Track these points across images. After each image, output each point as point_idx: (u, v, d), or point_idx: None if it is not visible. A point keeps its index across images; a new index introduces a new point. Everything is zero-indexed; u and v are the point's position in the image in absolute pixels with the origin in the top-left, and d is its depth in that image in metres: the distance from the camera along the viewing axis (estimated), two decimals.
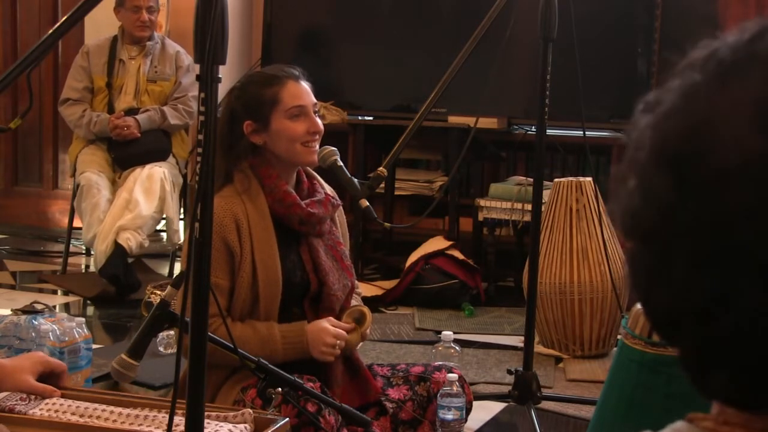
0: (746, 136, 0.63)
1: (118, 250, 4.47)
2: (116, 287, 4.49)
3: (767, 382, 0.65)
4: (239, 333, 2.26)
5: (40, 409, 1.84)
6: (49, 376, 1.93)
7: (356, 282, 2.59)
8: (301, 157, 2.38)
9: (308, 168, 2.48)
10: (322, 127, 2.41)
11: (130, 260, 4.61)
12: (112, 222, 4.53)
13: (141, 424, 1.79)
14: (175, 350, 3.53)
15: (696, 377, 0.69)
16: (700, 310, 0.66)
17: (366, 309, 2.45)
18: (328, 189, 2.50)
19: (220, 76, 1.47)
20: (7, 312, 3.30)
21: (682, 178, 0.66)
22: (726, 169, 0.64)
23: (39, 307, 3.17)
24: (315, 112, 2.40)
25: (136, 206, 4.54)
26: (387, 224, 3.04)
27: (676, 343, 0.70)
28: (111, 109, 4.84)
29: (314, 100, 2.41)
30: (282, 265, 2.32)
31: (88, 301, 4.60)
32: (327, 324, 2.32)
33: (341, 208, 2.54)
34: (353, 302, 2.52)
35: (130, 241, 4.50)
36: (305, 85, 2.40)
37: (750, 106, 0.64)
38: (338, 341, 2.32)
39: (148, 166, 4.69)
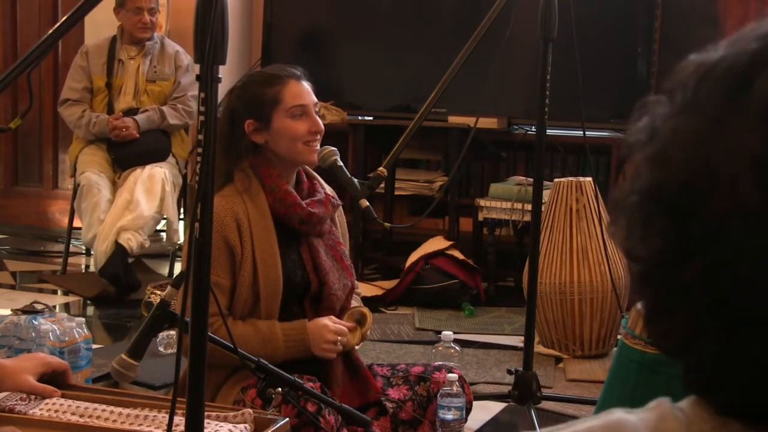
0: (746, 193, 0.61)
1: (118, 250, 4.47)
2: (116, 287, 4.49)
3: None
4: (241, 332, 2.26)
5: (40, 409, 1.84)
6: (51, 377, 1.93)
7: (356, 282, 2.59)
8: (302, 156, 2.38)
9: (308, 168, 2.48)
10: (322, 126, 2.41)
11: (130, 260, 4.61)
12: (112, 222, 4.53)
13: (141, 424, 1.79)
14: (175, 350, 3.53)
15: (696, 390, 0.69)
16: (702, 357, 0.66)
17: (367, 310, 2.45)
18: (328, 189, 2.50)
19: (220, 76, 1.47)
20: (7, 312, 3.30)
21: (681, 227, 0.65)
22: (723, 227, 0.62)
23: (39, 307, 3.17)
24: (315, 112, 2.40)
25: (137, 206, 4.54)
26: (387, 224, 3.04)
27: (680, 363, 0.70)
28: (110, 110, 4.84)
29: (315, 100, 2.41)
30: (282, 264, 2.32)
31: (88, 301, 4.60)
32: (328, 321, 2.33)
33: (341, 208, 2.55)
34: (353, 303, 2.52)
35: (131, 241, 4.50)
36: (306, 85, 2.41)
37: (747, 159, 0.61)
38: (340, 338, 2.32)
39: (148, 167, 4.69)
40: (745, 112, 0.62)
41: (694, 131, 0.64)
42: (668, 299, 0.67)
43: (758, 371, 0.63)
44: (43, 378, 1.92)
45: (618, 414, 0.71)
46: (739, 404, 0.66)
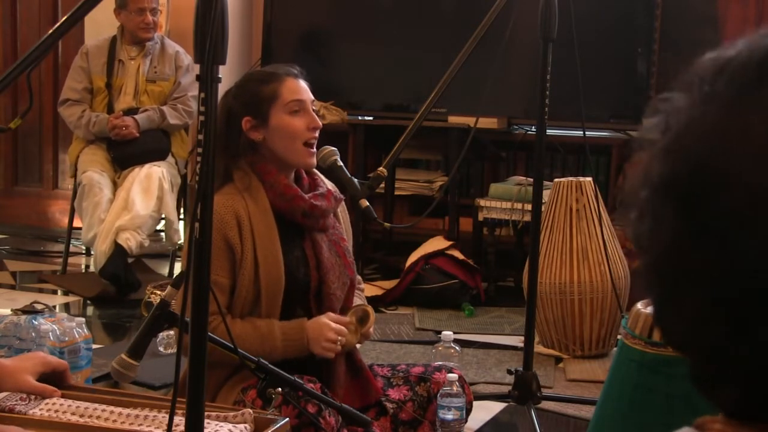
0: (759, 183, 0.62)
1: (118, 250, 4.48)
2: (116, 287, 4.50)
3: None
4: (239, 330, 2.25)
5: (40, 409, 1.84)
6: (51, 376, 1.93)
7: (359, 278, 2.59)
8: (300, 157, 2.37)
9: None
10: (320, 123, 2.40)
11: (130, 260, 4.61)
12: (111, 222, 4.53)
13: (141, 424, 1.79)
14: (175, 350, 3.53)
15: (702, 388, 0.69)
16: (711, 344, 0.66)
17: (370, 308, 2.45)
18: (330, 184, 2.49)
19: (220, 76, 1.47)
20: (7, 312, 3.30)
21: (690, 217, 0.65)
22: (734, 213, 0.63)
23: (39, 307, 3.17)
24: (314, 111, 2.40)
25: (133, 206, 4.54)
26: (387, 224, 3.04)
27: (689, 357, 0.70)
28: (111, 110, 4.84)
29: (312, 98, 2.41)
30: (285, 260, 2.32)
31: (88, 301, 4.60)
32: (327, 319, 2.32)
33: (343, 203, 2.54)
34: (357, 300, 2.51)
35: (130, 241, 4.50)
36: (303, 83, 2.40)
37: (762, 148, 0.62)
38: (339, 338, 2.31)
39: (146, 166, 4.70)
40: (761, 103, 0.63)
41: (710, 121, 0.65)
42: (677, 289, 0.68)
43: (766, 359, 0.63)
44: (43, 378, 1.92)
45: None
46: (746, 402, 0.66)
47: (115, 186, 4.76)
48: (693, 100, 0.67)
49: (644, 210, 0.69)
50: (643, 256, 0.70)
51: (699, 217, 0.65)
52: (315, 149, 2.40)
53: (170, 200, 4.70)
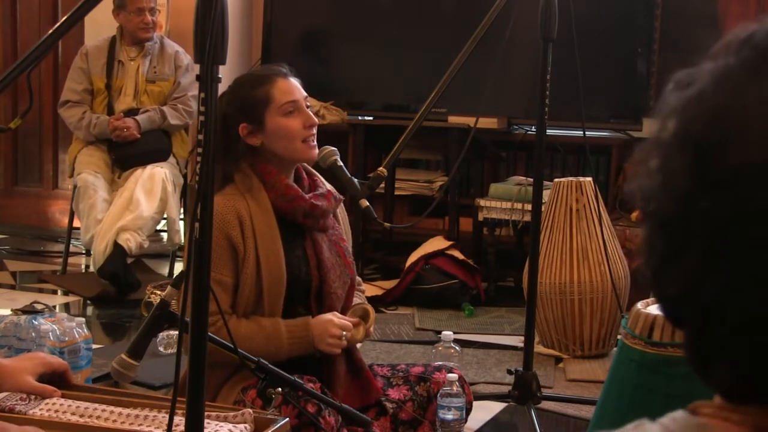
0: None
1: (117, 250, 4.47)
2: (115, 287, 4.49)
3: (766, 376, 0.65)
4: (244, 330, 2.26)
5: (40, 409, 1.84)
6: (51, 376, 1.93)
7: (359, 279, 2.59)
8: (301, 154, 2.37)
9: (307, 166, 2.48)
10: (316, 119, 2.40)
11: (129, 260, 4.61)
12: (111, 222, 4.53)
13: (141, 424, 1.79)
14: (175, 350, 3.53)
15: (698, 365, 0.70)
16: (707, 302, 0.67)
17: (370, 307, 2.45)
18: (329, 185, 2.50)
19: (220, 76, 1.47)
20: (7, 312, 3.30)
21: (703, 167, 0.66)
22: (747, 164, 0.64)
23: (39, 307, 3.17)
24: (307, 106, 2.39)
25: (137, 207, 4.54)
26: (387, 224, 3.04)
27: (682, 328, 0.71)
28: (111, 111, 4.84)
29: (305, 94, 2.40)
30: (287, 260, 2.32)
31: (88, 301, 4.60)
32: (332, 316, 2.33)
33: (343, 204, 2.54)
34: (357, 300, 2.52)
35: (130, 241, 4.50)
36: (294, 81, 2.40)
37: None
38: (344, 333, 2.31)
39: (149, 167, 4.69)
40: None
41: (732, 79, 0.67)
42: (680, 241, 0.68)
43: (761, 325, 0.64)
44: (43, 378, 1.92)
45: None
46: (738, 381, 0.67)
47: (112, 186, 4.75)
48: (717, 64, 0.69)
49: (656, 166, 0.70)
50: (649, 214, 0.71)
51: (711, 167, 0.66)
52: (315, 143, 2.40)
53: (173, 201, 4.70)
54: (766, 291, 0.63)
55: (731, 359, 0.67)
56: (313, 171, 2.50)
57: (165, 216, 4.72)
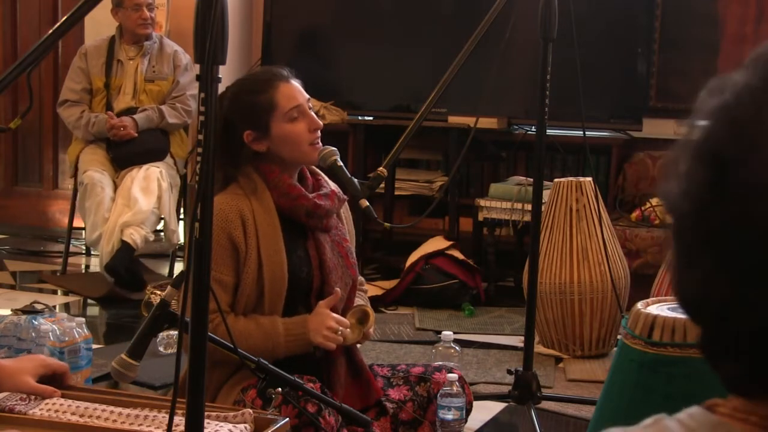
0: None
1: (123, 246, 4.48)
2: (121, 284, 4.49)
3: None
4: (242, 327, 2.26)
5: (40, 409, 1.84)
6: (51, 378, 1.93)
7: (361, 279, 2.59)
8: (307, 156, 2.38)
9: (312, 166, 2.48)
10: (320, 121, 2.40)
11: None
12: (114, 222, 4.53)
13: (141, 424, 1.79)
14: (175, 350, 3.53)
15: (710, 361, 0.72)
16: (720, 306, 0.69)
17: (370, 309, 2.44)
18: (333, 185, 2.49)
19: (220, 76, 1.47)
20: (7, 312, 3.30)
21: (721, 179, 0.68)
22: (762, 183, 0.65)
23: (39, 307, 3.17)
24: (310, 108, 2.39)
25: (135, 203, 4.54)
26: (387, 224, 3.04)
27: (699, 324, 0.73)
28: (109, 110, 4.83)
29: (307, 96, 2.40)
30: (288, 260, 2.32)
31: (89, 301, 4.60)
32: (328, 310, 2.32)
33: (347, 204, 2.54)
34: (358, 301, 2.51)
35: (134, 236, 4.50)
36: (296, 83, 2.39)
37: None
38: (340, 327, 2.30)
39: (144, 167, 4.70)
40: None
41: (759, 93, 0.68)
42: (694, 247, 0.71)
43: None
44: (43, 380, 1.92)
45: (615, 430, 0.74)
46: (750, 378, 0.69)
47: (116, 185, 4.76)
48: (748, 75, 0.70)
49: (683, 171, 0.72)
50: (671, 217, 0.73)
51: (726, 178, 0.67)
52: (320, 144, 2.40)
53: (168, 200, 4.70)
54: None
55: (738, 358, 0.69)
56: (318, 170, 2.50)
57: (162, 215, 4.72)
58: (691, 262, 0.71)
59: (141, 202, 4.54)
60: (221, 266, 2.25)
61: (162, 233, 4.99)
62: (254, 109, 2.33)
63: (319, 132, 2.38)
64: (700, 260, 0.70)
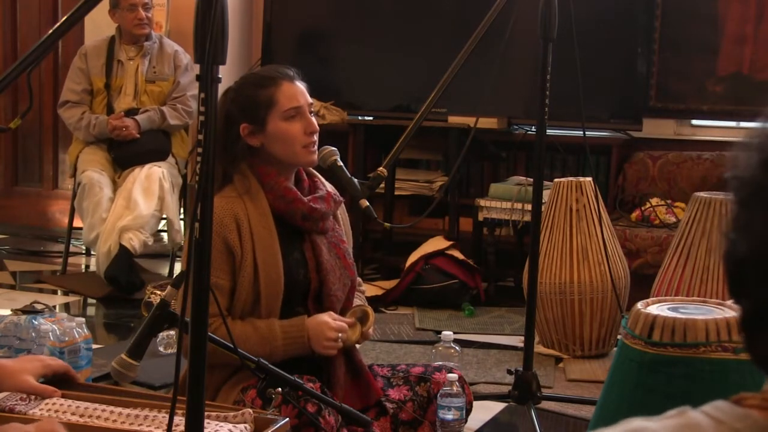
0: None
1: (122, 251, 4.48)
2: (121, 289, 4.49)
3: None
4: (239, 331, 2.25)
5: (40, 409, 1.84)
6: (52, 379, 1.93)
7: (360, 280, 2.59)
8: (300, 158, 2.37)
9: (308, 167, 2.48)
10: (317, 126, 2.40)
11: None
12: (113, 223, 4.53)
13: (141, 424, 1.79)
14: (175, 350, 3.53)
15: (749, 337, 0.74)
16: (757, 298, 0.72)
17: (369, 309, 2.44)
18: (329, 186, 2.49)
19: (220, 76, 1.47)
20: (7, 312, 3.30)
21: None
22: None
23: (39, 307, 3.17)
24: (311, 112, 2.39)
25: (135, 206, 4.54)
26: (387, 224, 3.04)
27: (741, 299, 0.75)
28: (110, 110, 4.84)
29: (310, 100, 2.40)
30: (284, 263, 2.32)
31: (89, 301, 4.60)
32: (328, 318, 2.32)
33: (343, 205, 2.54)
34: (357, 301, 2.51)
35: (133, 240, 4.50)
36: (300, 85, 2.39)
37: None
38: (340, 334, 2.31)
39: (146, 167, 4.70)
40: None
41: None
42: (749, 213, 0.74)
43: None
44: (44, 381, 1.92)
45: (638, 422, 0.74)
46: None
47: (115, 185, 4.76)
48: None
49: (755, 162, 0.75)
50: (736, 202, 0.76)
51: None
52: (315, 148, 2.40)
53: (171, 200, 4.70)
54: None
55: None
56: (314, 172, 2.50)
57: (164, 216, 4.72)
58: (747, 224, 0.74)
59: (141, 206, 4.54)
60: (217, 270, 2.24)
61: (163, 233, 5.00)
62: (254, 103, 2.33)
63: (315, 136, 2.37)
64: (757, 220, 0.73)
